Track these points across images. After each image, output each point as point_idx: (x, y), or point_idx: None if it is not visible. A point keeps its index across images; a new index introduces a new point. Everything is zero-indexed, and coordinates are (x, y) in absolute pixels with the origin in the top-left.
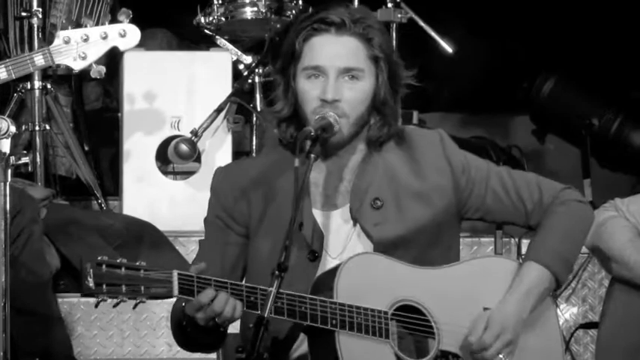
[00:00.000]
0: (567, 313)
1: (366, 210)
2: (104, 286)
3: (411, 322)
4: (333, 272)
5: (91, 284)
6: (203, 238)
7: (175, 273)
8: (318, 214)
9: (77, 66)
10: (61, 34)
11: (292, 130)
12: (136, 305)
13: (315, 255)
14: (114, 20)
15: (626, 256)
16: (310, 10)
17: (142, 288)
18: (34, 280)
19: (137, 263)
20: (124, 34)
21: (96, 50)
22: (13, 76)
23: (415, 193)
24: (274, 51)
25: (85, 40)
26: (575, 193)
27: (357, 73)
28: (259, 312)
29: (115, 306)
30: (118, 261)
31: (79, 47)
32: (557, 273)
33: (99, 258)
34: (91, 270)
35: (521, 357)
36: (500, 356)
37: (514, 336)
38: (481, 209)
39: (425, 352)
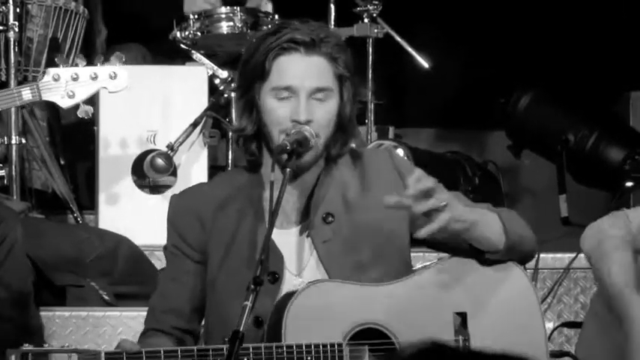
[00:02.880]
0: None
1: (318, 225)
2: None
3: (374, 348)
4: (283, 306)
5: None
6: (164, 267)
7: (103, 354)
8: (275, 232)
9: (64, 104)
10: (51, 71)
11: (254, 147)
12: None
13: (275, 276)
14: (89, 38)
15: (610, 285)
16: (271, 25)
17: None
18: (17, 288)
19: (64, 346)
20: (115, 76)
21: (85, 90)
22: None
23: (367, 206)
24: None
25: (75, 79)
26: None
27: (327, 93)
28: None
29: None
30: (45, 347)
31: (67, 85)
32: (507, 229)
33: (24, 347)
34: None
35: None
36: (443, 204)
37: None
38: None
39: None
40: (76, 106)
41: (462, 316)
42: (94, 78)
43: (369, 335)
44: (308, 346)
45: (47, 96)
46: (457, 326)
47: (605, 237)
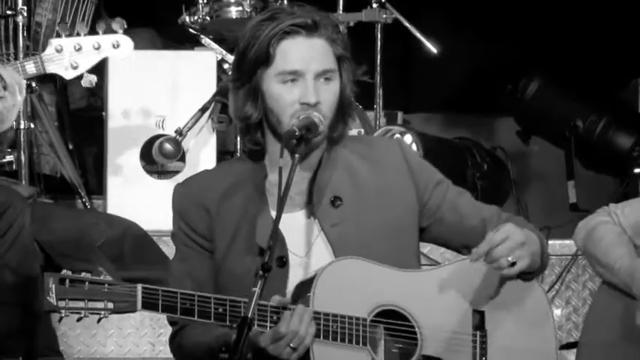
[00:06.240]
0: None
1: (325, 208)
2: (66, 302)
3: (394, 328)
4: (311, 279)
5: (53, 301)
6: (176, 258)
7: (139, 287)
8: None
9: (68, 75)
10: (53, 42)
11: (259, 136)
12: (99, 320)
13: (282, 260)
14: (95, 20)
15: (612, 260)
16: (263, 11)
17: (105, 303)
18: (25, 273)
19: (101, 277)
20: (117, 45)
21: (88, 60)
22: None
23: (375, 192)
24: None
25: (78, 50)
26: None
27: (331, 74)
28: (228, 323)
29: (78, 320)
30: (82, 275)
31: (71, 56)
32: (543, 245)
33: (62, 272)
34: (53, 286)
35: (515, 355)
36: (510, 258)
37: (525, 240)
38: (436, 215)
39: (408, 357)
40: (80, 76)
41: (480, 315)
42: (97, 48)
43: (389, 317)
44: (335, 315)
45: (51, 68)
46: (475, 323)
47: (591, 226)
